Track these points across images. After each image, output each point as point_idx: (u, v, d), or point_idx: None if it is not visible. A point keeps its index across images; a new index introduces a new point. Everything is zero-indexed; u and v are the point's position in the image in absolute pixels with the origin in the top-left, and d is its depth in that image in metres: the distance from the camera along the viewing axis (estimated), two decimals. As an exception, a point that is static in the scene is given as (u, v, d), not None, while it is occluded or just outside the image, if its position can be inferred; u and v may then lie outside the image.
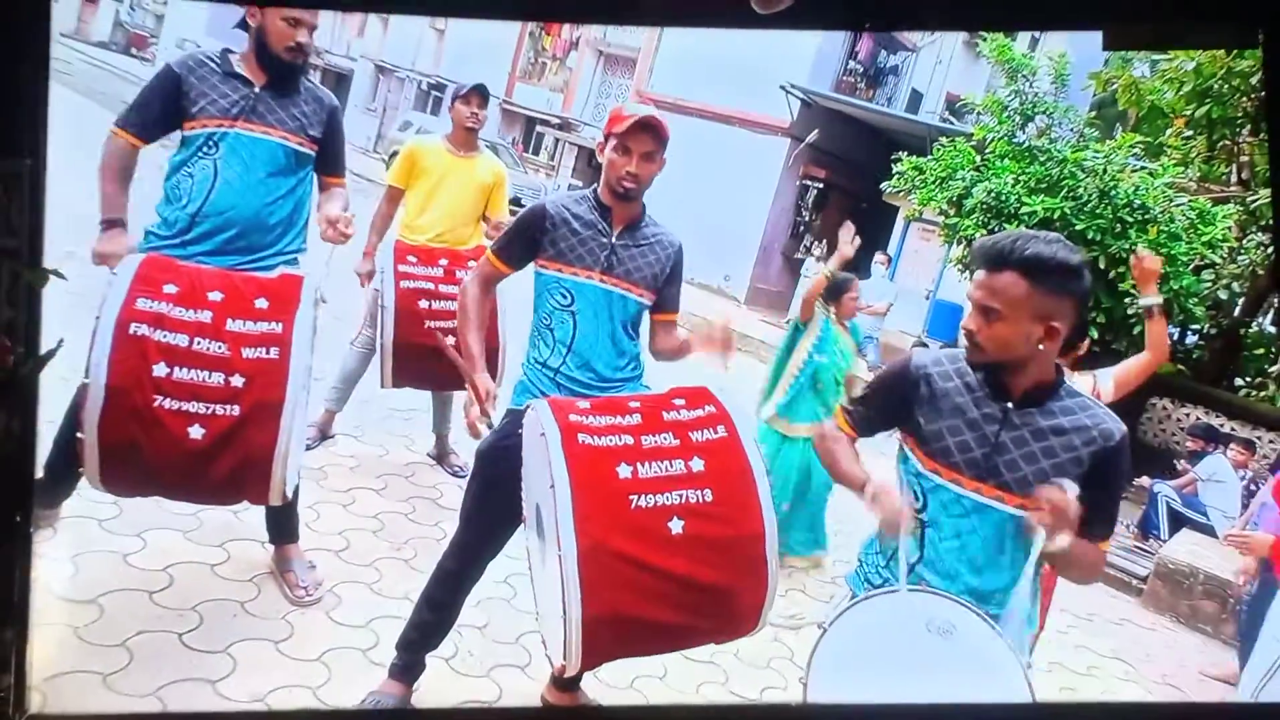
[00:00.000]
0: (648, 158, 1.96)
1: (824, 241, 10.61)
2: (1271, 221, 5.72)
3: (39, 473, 1.69)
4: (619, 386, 1.98)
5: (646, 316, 2.11)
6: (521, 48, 10.97)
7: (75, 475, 2.16)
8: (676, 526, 1.58)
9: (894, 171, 7.24)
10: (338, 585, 2.53)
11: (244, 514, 2.62)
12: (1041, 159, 6.41)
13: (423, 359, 2.95)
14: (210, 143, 2.21)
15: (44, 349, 1.62)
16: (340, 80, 14.25)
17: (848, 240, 3.37)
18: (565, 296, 1.98)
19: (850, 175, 10.95)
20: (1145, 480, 5.54)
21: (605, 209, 2.02)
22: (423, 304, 3.05)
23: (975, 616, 1.46)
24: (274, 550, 2.50)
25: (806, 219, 11.36)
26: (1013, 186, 6.32)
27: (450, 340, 2.12)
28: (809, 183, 11.22)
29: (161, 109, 2.22)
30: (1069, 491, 1.41)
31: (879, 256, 8.22)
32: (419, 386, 3.28)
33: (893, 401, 1.59)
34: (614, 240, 2.01)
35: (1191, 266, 6.00)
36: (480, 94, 3.33)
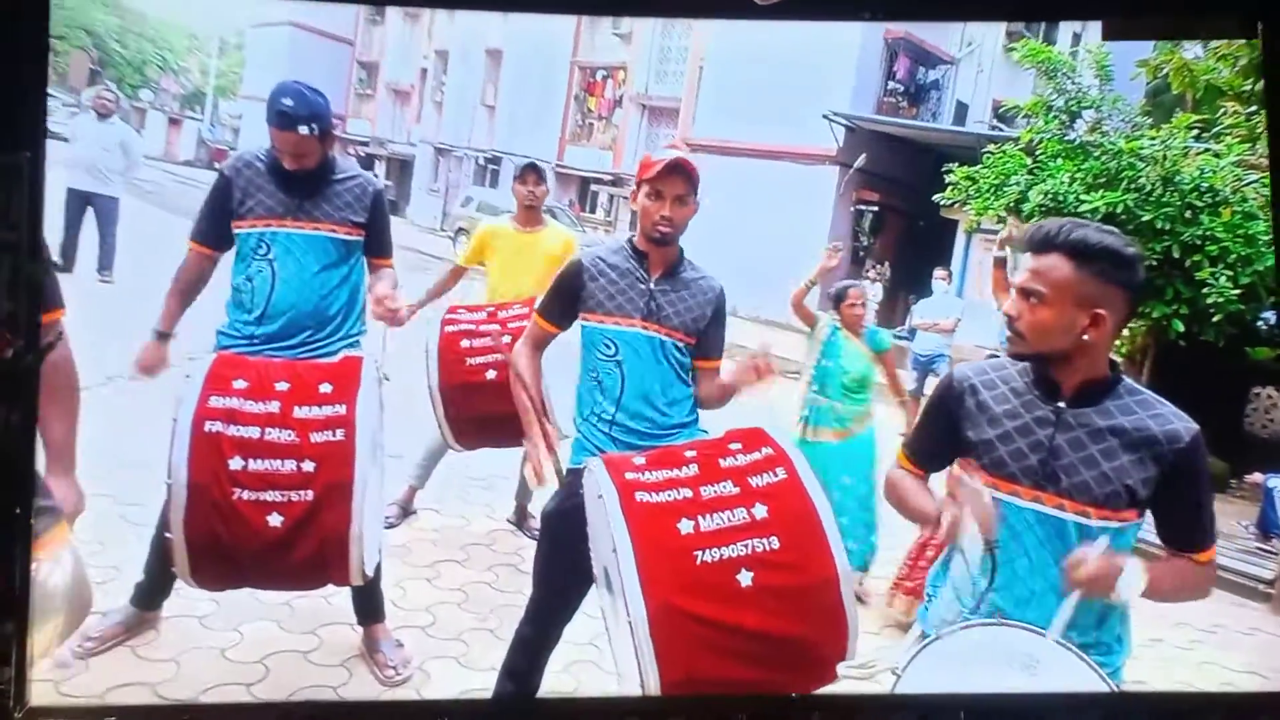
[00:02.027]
0: (680, 200, 1.95)
1: (884, 264, 10.44)
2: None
3: (40, 468, 1.68)
4: (674, 434, 1.94)
5: None
6: (568, 112, 11.21)
7: (171, 575, 2.20)
8: (745, 579, 1.51)
9: (946, 184, 7.09)
10: (426, 661, 2.52)
11: (333, 598, 2.63)
12: (1096, 154, 6.16)
13: (472, 402, 2.97)
14: (263, 243, 2.28)
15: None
16: (404, 167, 14.80)
17: (829, 253, 3.60)
18: (610, 346, 1.96)
19: (903, 195, 10.79)
20: (1258, 476, 5.16)
21: (642, 255, 2.00)
22: (464, 343, 3.07)
23: (1059, 647, 1.34)
24: (363, 631, 2.51)
25: (865, 243, 11.21)
26: (1069, 185, 6.09)
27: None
28: (863, 207, 11.08)
29: (219, 213, 2.30)
30: (1091, 556, 1.32)
31: (939, 273, 8.02)
32: (481, 440, 3.25)
33: (942, 422, 1.51)
34: (653, 286, 2.00)
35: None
36: (534, 171, 3.44)
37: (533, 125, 11.12)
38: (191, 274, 2.35)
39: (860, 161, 9.91)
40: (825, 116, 10.04)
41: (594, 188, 13.92)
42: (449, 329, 3.11)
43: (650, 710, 1.70)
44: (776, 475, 1.64)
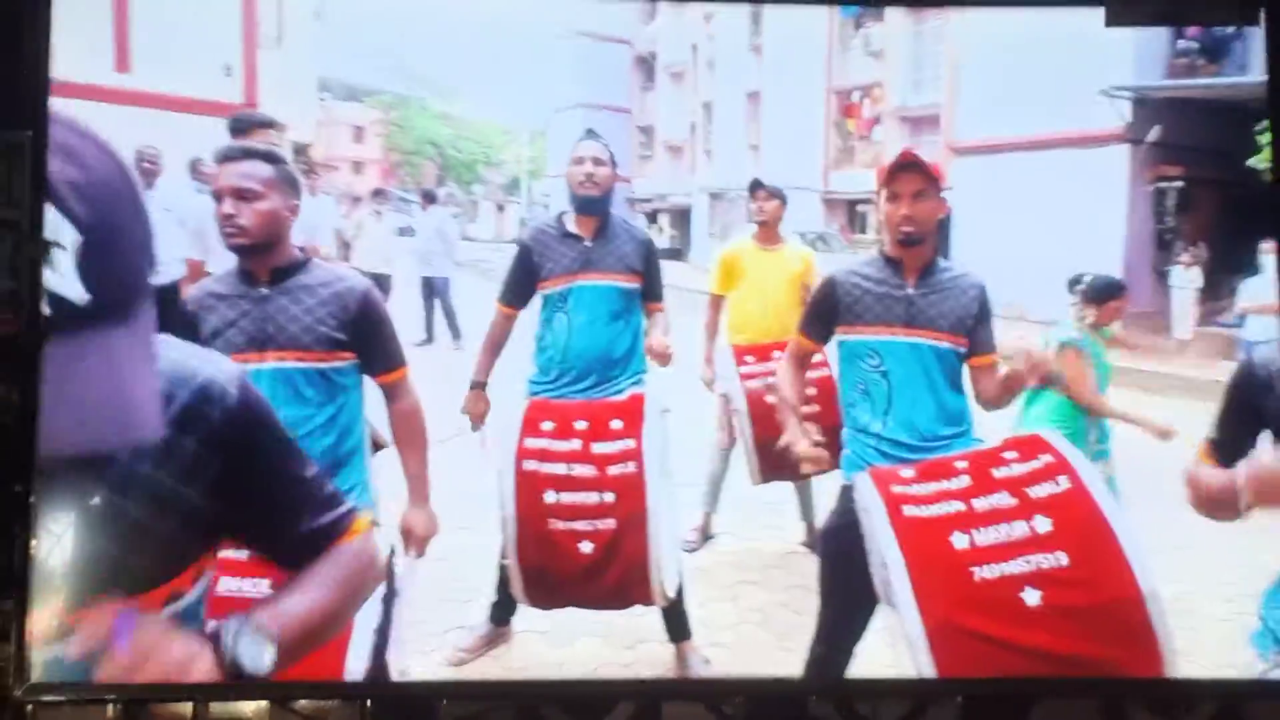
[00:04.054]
0: (918, 197, 1.89)
1: (1198, 245, 8.97)
2: None
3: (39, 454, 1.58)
4: (947, 444, 1.86)
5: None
6: (829, 138, 11.08)
7: (513, 596, 2.49)
8: (1032, 597, 1.41)
9: (1258, 144, 5.97)
10: (733, 678, 2.60)
11: (647, 618, 2.80)
12: None
13: (785, 451, 3.00)
14: (561, 297, 2.53)
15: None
16: (683, 216, 15.43)
17: None
18: (873, 357, 1.93)
19: (1212, 164, 9.20)
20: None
21: (894, 262, 1.96)
22: (770, 399, 3.12)
23: None
24: (674, 649, 2.64)
25: (1170, 225, 9.71)
26: None
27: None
28: (1164, 184, 9.62)
29: (523, 278, 2.59)
30: None
31: (1268, 245, 6.69)
32: (786, 478, 3.31)
33: (1243, 406, 1.29)
34: (910, 291, 1.93)
35: None
36: (760, 187, 3.45)
37: (794, 158, 11.13)
38: (499, 331, 2.66)
39: (1154, 134, 8.64)
40: (1104, 92, 8.91)
41: (861, 209, 13.60)
42: (750, 384, 3.16)
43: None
44: (1058, 485, 1.51)
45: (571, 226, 2.56)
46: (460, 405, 2.65)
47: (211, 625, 0.80)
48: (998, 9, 3.06)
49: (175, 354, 0.82)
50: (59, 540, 0.81)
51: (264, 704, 1.89)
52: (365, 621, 1.63)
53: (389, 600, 1.83)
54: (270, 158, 1.79)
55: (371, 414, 2.02)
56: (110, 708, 1.83)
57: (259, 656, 0.78)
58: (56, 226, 0.63)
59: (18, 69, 1.54)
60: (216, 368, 0.84)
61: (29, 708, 1.59)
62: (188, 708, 1.84)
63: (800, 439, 2.03)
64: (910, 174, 1.87)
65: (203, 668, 0.75)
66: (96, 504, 0.76)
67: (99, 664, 0.73)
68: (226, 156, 1.77)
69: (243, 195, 1.72)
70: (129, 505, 0.79)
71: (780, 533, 3.67)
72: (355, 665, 1.59)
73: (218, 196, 1.74)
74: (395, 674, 1.92)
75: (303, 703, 1.87)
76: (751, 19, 11.04)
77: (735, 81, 12.11)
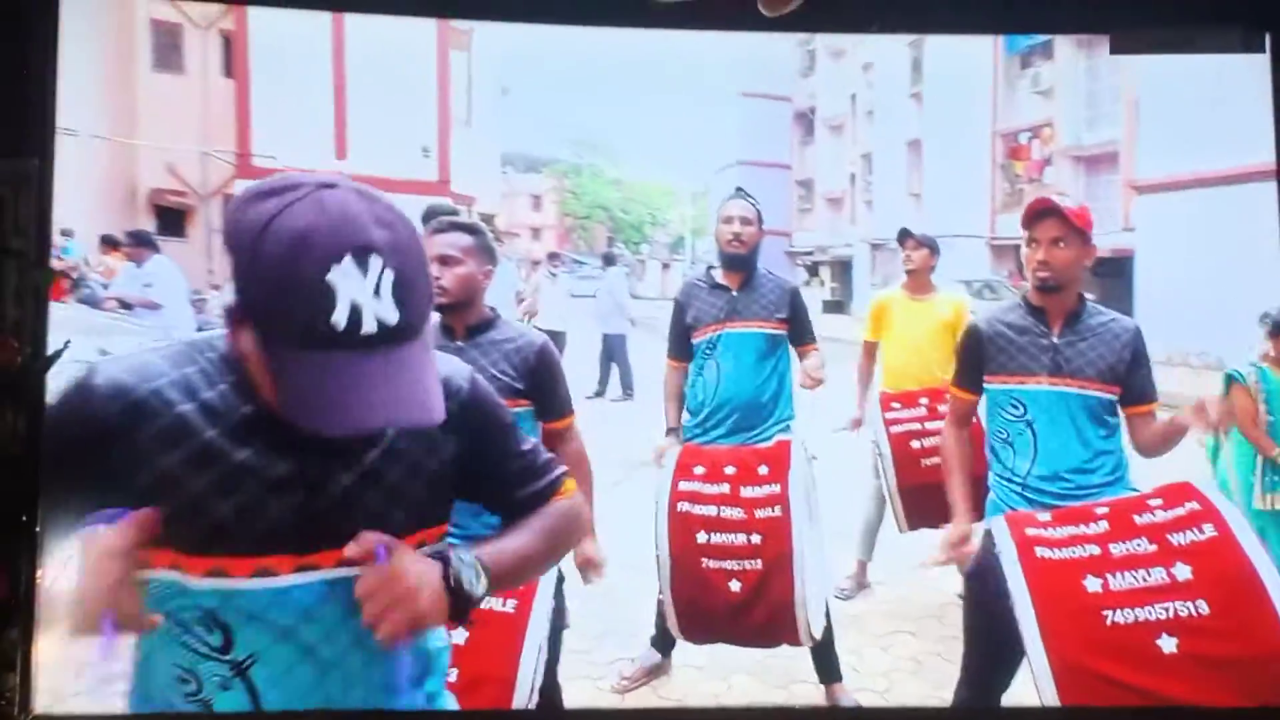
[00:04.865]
0: (1056, 244, 1.86)
1: None
2: None
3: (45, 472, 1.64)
4: (1096, 492, 1.81)
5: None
6: (995, 183, 10.68)
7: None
8: (1168, 645, 1.36)
9: None
10: (885, 723, 2.58)
11: (801, 660, 2.83)
12: None
13: (930, 497, 2.98)
14: (710, 345, 2.67)
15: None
16: (845, 267, 15.27)
17: None
18: (1017, 406, 1.92)
19: None
20: None
21: (1038, 310, 1.94)
22: (914, 444, 3.11)
23: None
24: (825, 690, 2.66)
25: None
26: None
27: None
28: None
29: (681, 331, 2.75)
30: None
31: None
32: (935, 525, 3.26)
33: None
34: (1056, 339, 1.91)
35: None
36: (906, 237, 3.45)
37: (960, 204, 10.78)
38: (673, 384, 2.81)
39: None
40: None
41: (1034, 251, 12.83)
42: (895, 430, 3.18)
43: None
44: (1202, 533, 1.46)
45: (720, 279, 2.71)
46: (627, 453, 2.83)
47: (442, 551, 0.97)
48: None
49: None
50: (63, 570, 0.89)
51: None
52: (534, 647, 1.75)
53: (556, 629, 1.97)
54: (472, 230, 2.07)
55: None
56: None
57: (475, 582, 0.94)
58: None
59: (24, 98, 1.50)
60: (452, 368, 1.03)
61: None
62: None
63: (958, 530, 1.97)
64: (1047, 220, 1.84)
65: (434, 585, 0.91)
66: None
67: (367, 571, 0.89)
68: (436, 229, 2.05)
69: (445, 261, 1.97)
70: (390, 471, 0.96)
71: (937, 583, 3.57)
72: (523, 691, 1.65)
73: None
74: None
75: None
76: (912, 65, 10.93)
77: (895, 130, 11.97)
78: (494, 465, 1.06)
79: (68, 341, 1.57)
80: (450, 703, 1.15)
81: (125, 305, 4.72)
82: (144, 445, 0.88)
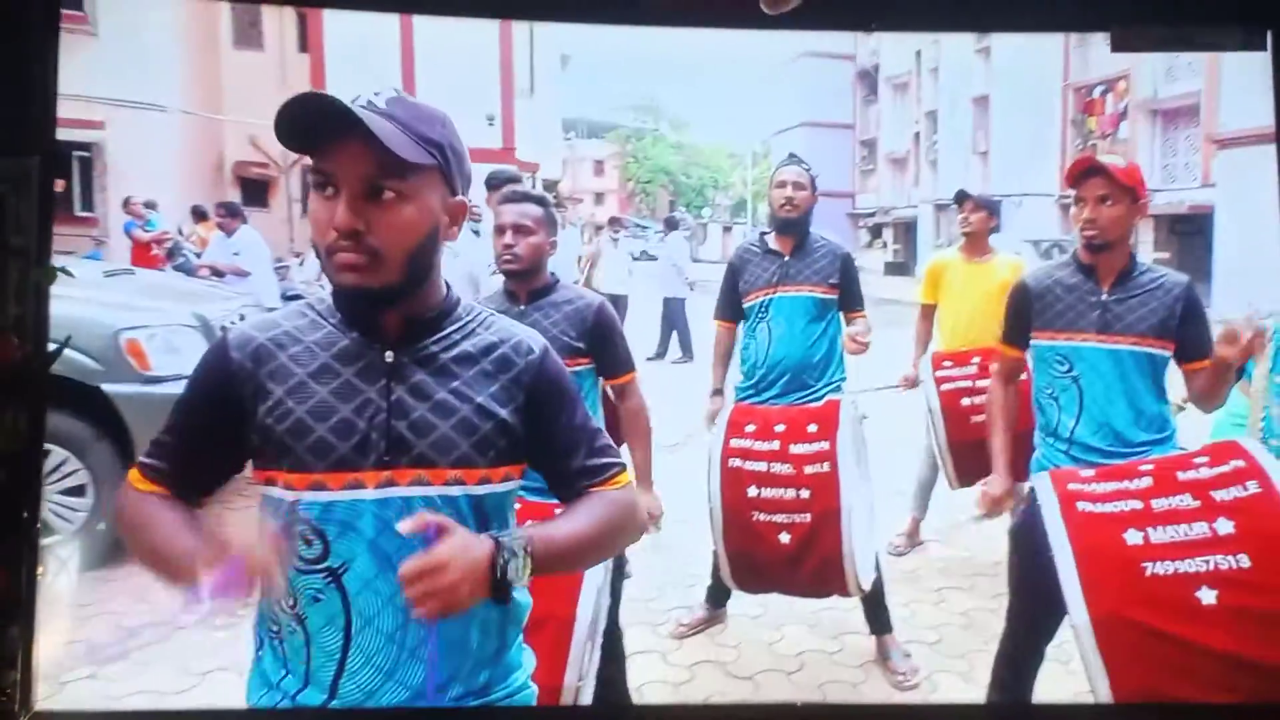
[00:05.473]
0: (1102, 201, 1.83)
1: None
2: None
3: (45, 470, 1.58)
4: (1144, 450, 1.79)
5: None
6: (1066, 139, 10.24)
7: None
8: (1208, 597, 1.37)
9: None
10: (934, 674, 2.62)
11: (853, 611, 2.88)
12: None
13: (980, 454, 2.97)
14: (762, 308, 2.69)
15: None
16: (909, 229, 14.92)
17: None
18: (1063, 363, 1.90)
19: None
20: None
21: (1088, 267, 1.92)
22: (964, 401, 3.09)
23: None
24: (875, 641, 2.71)
25: None
26: None
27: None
28: None
29: (732, 294, 2.77)
30: None
31: None
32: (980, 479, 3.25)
33: None
34: (1105, 296, 1.88)
35: None
36: (964, 199, 3.39)
37: (1029, 161, 10.38)
38: (721, 345, 2.86)
39: None
40: None
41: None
42: (945, 387, 3.18)
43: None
44: (1246, 489, 1.44)
45: (772, 244, 2.72)
46: (687, 412, 2.87)
47: (495, 536, 1.01)
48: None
49: (503, 322, 1.13)
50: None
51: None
52: (592, 589, 1.82)
53: (616, 575, 2.05)
54: (540, 201, 2.15)
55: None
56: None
57: (520, 571, 0.99)
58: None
59: (25, 95, 1.49)
60: (529, 334, 1.11)
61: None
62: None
63: (998, 483, 1.99)
64: (1092, 179, 1.82)
65: (476, 577, 0.95)
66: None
67: (413, 557, 0.93)
68: (508, 198, 2.13)
69: (519, 229, 2.06)
70: (461, 406, 1.04)
71: (992, 542, 3.55)
72: (582, 630, 1.71)
73: (500, 230, 2.10)
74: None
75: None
76: (979, 22, 10.49)
77: (961, 86, 11.53)
78: (553, 426, 1.11)
79: (68, 338, 1.60)
80: (528, 656, 1.19)
81: (216, 273, 4.98)
82: (263, 382, 1.03)
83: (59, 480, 3.02)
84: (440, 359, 1.05)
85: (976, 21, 2.28)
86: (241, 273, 4.93)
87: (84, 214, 6.87)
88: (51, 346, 1.52)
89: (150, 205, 5.96)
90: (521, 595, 1.12)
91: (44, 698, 1.48)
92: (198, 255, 5.57)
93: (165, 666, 2.43)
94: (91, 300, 3.29)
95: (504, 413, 1.06)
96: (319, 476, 1.00)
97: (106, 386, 3.06)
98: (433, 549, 0.92)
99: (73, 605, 1.62)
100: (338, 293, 1.04)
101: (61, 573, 1.63)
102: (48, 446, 2.99)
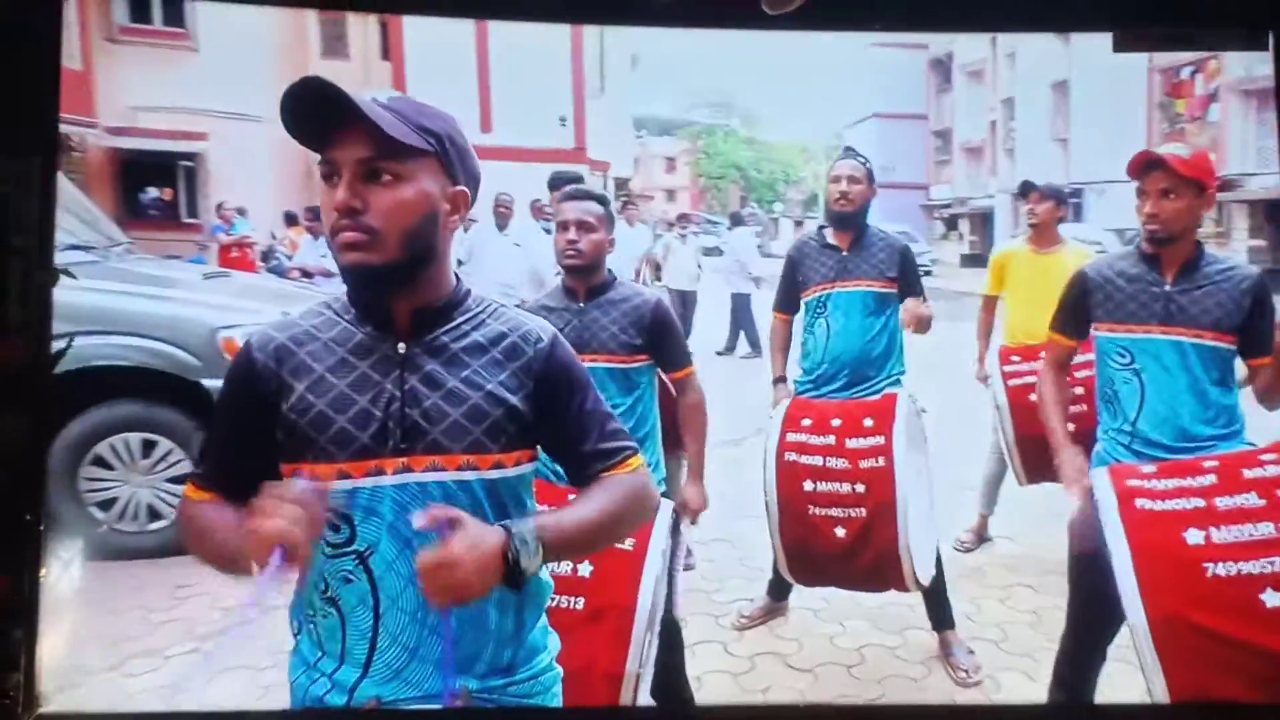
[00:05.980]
0: (1164, 195, 1.75)
1: None
2: None
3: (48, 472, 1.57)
4: (1209, 445, 1.71)
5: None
6: (1152, 123, 9.72)
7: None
8: (1273, 599, 1.30)
9: None
10: (999, 672, 2.55)
11: (915, 606, 2.83)
12: None
13: (1047, 450, 2.87)
14: (821, 304, 2.66)
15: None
16: (985, 220, 14.45)
17: None
18: (1124, 355, 1.83)
19: None
20: None
21: (1152, 259, 1.84)
22: (1032, 397, 2.98)
23: None
24: (938, 637, 2.65)
25: None
26: None
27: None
28: None
29: (790, 287, 2.75)
30: None
31: None
32: (1054, 479, 3.14)
33: None
34: (1169, 288, 1.81)
35: None
36: (1029, 189, 3.27)
37: (1112, 147, 9.89)
38: (779, 336, 2.84)
39: None
40: None
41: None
42: (1013, 382, 3.08)
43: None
44: (1317, 488, 1.36)
45: (830, 239, 2.69)
46: (754, 406, 2.84)
47: (507, 525, 1.01)
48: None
49: (512, 312, 1.15)
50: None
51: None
52: (651, 578, 1.82)
53: (673, 567, 2.04)
54: (601, 199, 2.20)
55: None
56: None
57: (531, 559, 1.01)
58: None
59: (26, 95, 1.47)
60: (538, 323, 1.14)
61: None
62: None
63: (1067, 461, 1.89)
64: (1154, 172, 1.75)
65: (488, 570, 0.97)
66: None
67: (428, 550, 0.95)
68: (571, 196, 2.18)
69: (582, 226, 2.10)
70: (472, 394, 1.07)
71: (1062, 539, 3.42)
72: (642, 617, 1.72)
73: (563, 226, 2.14)
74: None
75: None
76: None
77: (1039, 72, 11.07)
78: (564, 412, 1.13)
79: (70, 340, 1.60)
80: (552, 639, 1.21)
81: (306, 274, 5.20)
82: (285, 379, 1.07)
83: (166, 469, 3.24)
84: (451, 349, 1.08)
85: (979, 21, 2.21)
86: (329, 273, 5.14)
87: (189, 220, 7.28)
88: (55, 347, 1.52)
89: (240, 211, 6.26)
90: (543, 577, 1.15)
91: (50, 695, 1.49)
92: (289, 258, 5.83)
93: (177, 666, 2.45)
94: (192, 301, 3.50)
95: (514, 399, 1.09)
96: (343, 465, 1.04)
97: (206, 381, 3.23)
98: (445, 542, 0.95)
99: (78, 605, 1.61)
100: (349, 286, 1.08)
101: (64, 574, 1.61)
102: (155, 437, 3.25)
